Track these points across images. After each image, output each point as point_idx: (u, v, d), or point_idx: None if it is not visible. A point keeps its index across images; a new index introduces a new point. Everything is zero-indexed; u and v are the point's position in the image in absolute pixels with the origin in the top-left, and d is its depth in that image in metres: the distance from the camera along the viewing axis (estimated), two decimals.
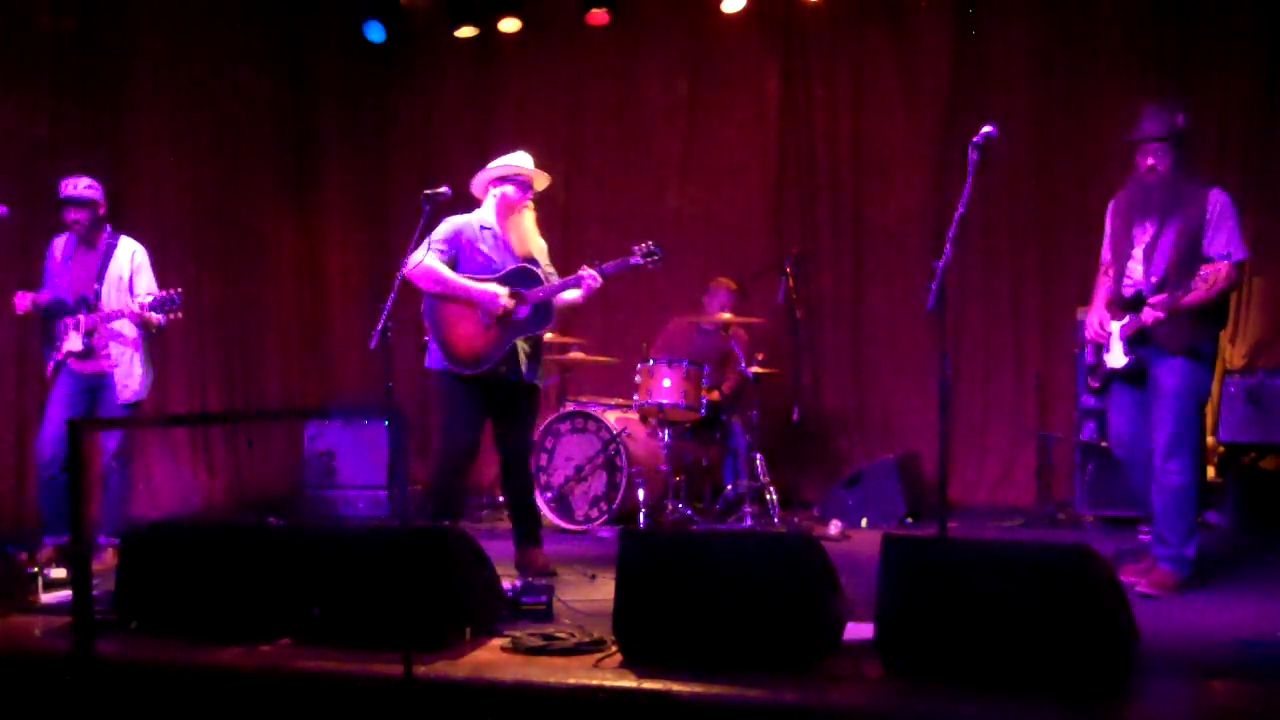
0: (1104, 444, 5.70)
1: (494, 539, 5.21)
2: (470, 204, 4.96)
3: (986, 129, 3.72)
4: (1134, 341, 4.31)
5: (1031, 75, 7.00)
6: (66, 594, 3.82)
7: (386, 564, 3.44)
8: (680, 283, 7.40)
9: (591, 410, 6.34)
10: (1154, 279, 4.25)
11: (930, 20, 7.22)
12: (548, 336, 6.53)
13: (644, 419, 6.33)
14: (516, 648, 3.32)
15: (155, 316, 5.09)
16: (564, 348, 6.81)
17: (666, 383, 5.98)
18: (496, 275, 4.68)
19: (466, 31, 7.81)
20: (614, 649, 3.26)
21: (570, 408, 6.45)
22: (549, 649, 3.28)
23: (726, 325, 6.54)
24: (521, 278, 4.68)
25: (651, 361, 6.12)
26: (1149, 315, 4.17)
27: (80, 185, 5.19)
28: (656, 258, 4.70)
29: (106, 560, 4.83)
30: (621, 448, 6.13)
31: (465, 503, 5.75)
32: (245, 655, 3.37)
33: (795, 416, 6.61)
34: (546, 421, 6.43)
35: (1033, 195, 7.01)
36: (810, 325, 7.31)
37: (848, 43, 7.45)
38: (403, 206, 7.46)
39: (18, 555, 4.37)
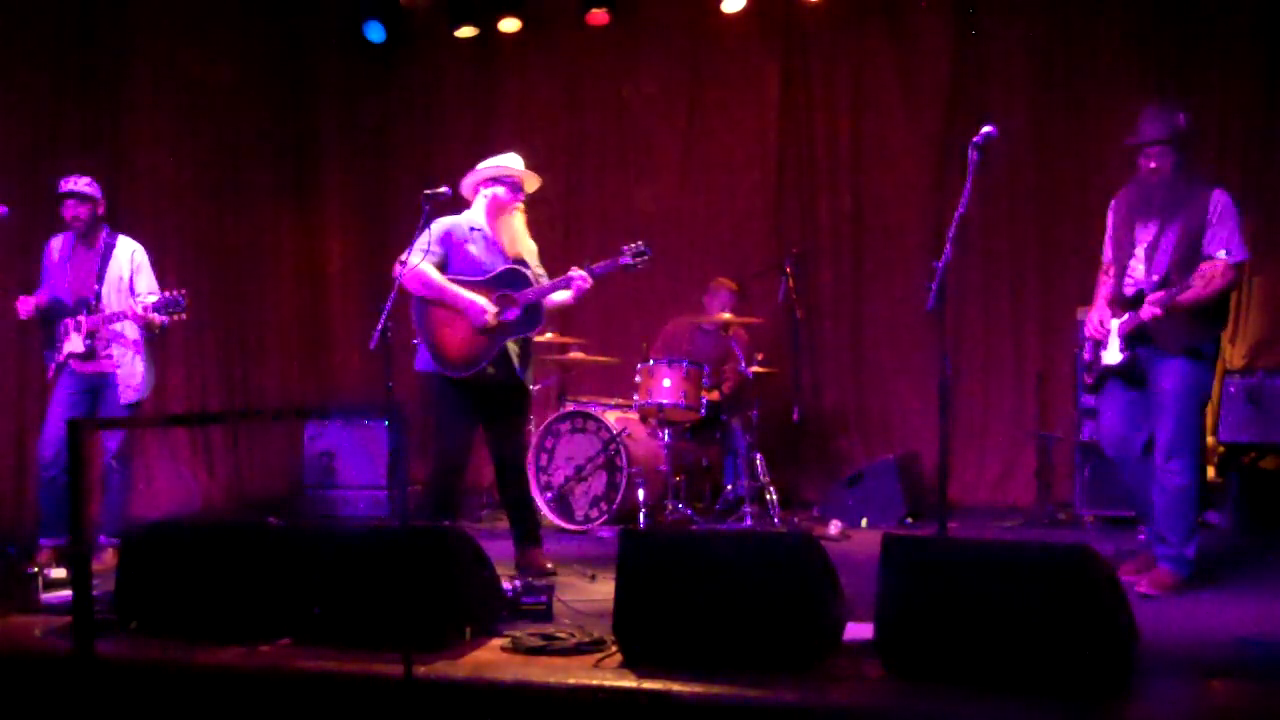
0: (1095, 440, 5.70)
1: (494, 539, 5.20)
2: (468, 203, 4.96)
3: (986, 129, 3.72)
4: (1132, 339, 4.31)
5: (1031, 75, 7.00)
6: (66, 594, 3.82)
7: (386, 564, 3.44)
8: (680, 283, 7.41)
9: (591, 410, 6.34)
10: (1155, 278, 4.25)
11: (930, 20, 7.22)
12: (547, 336, 6.56)
13: (644, 419, 6.33)
14: (516, 648, 3.32)
15: (158, 318, 5.08)
16: (564, 348, 6.81)
17: (666, 383, 5.99)
18: (486, 276, 4.67)
19: (466, 31, 7.81)
20: (614, 649, 3.26)
21: (570, 408, 6.45)
22: (549, 649, 3.28)
23: (726, 325, 6.54)
24: (511, 279, 4.67)
25: (651, 361, 6.12)
26: (1147, 312, 4.18)
27: (80, 182, 5.20)
28: (646, 258, 4.71)
29: (106, 560, 4.84)
30: (621, 448, 6.13)
31: (462, 504, 5.74)
32: (245, 655, 3.37)
33: (795, 416, 6.61)
34: (546, 421, 6.43)
35: (1033, 195, 7.01)
36: (810, 325, 7.31)
37: (848, 43, 7.45)
38: (403, 206, 7.46)
39: (16, 556, 4.38)
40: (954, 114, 7.10)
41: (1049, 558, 2.93)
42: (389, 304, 4.32)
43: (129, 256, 5.30)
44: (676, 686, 2.95)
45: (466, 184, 4.88)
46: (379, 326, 4.37)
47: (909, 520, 6.31)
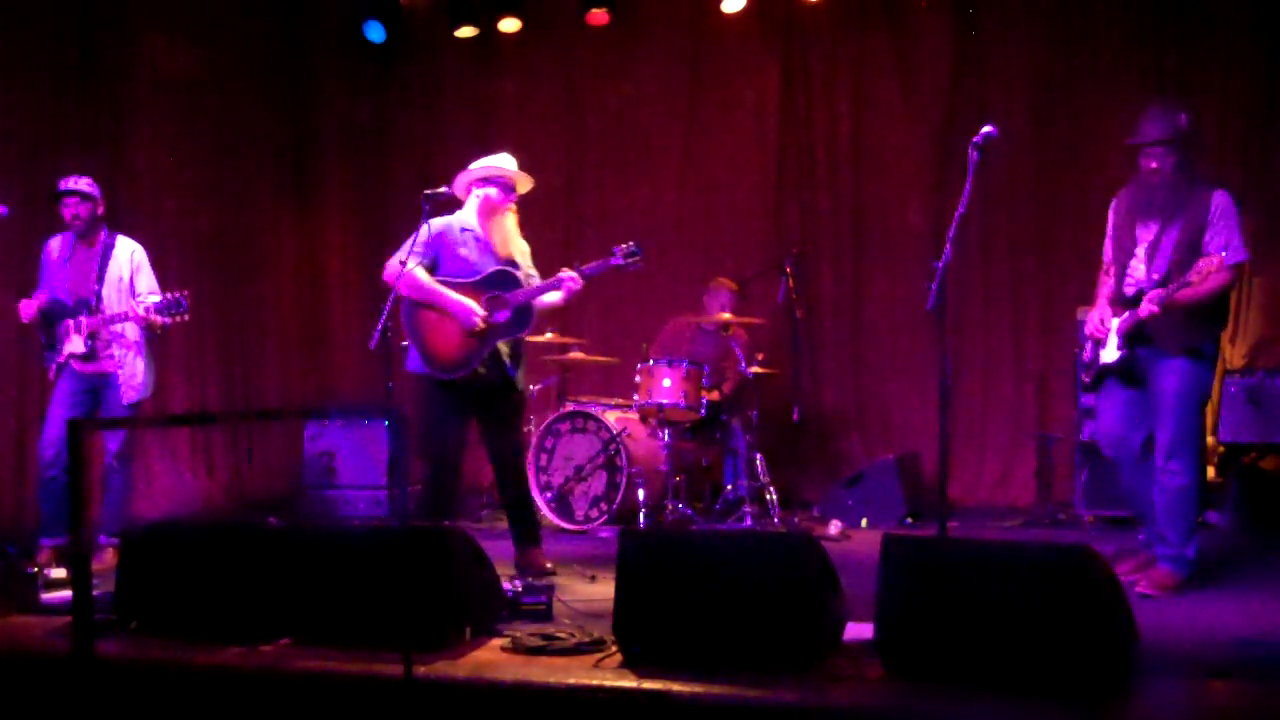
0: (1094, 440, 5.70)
1: (494, 539, 5.20)
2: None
3: (986, 129, 3.72)
4: (1131, 338, 4.31)
5: (1031, 75, 7.00)
6: (66, 594, 3.82)
7: (386, 564, 3.44)
8: (680, 283, 7.41)
9: (591, 410, 6.34)
10: (1156, 278, 4.26)
11: (930, 20, 7.22)
12: (547, 336, 6.56)
13: (644, 419, 6.33)
14: (516, 648, 3.32)
15: (160, 319, 5.08)
16: (564, 348, 6.81)
17: (666, 383, 5.99)
18: (477, 278, 4.66)
19: (466, 31, 7.81)
20: (614, 649, 3.26)
21: (570, 408, 6.45)
22: (549, 649, 3.28)
23: (726, 325, 6.54)
24: (501, 281, 4.66)
25: (651, 361, 6.12)
26: (1145, 310, 4.18)
27: (80, 182, 5.21)
28: (637, 258, 4.69)
29: (106, 560, 4.83)
30: (621, 448, 6.13)
31: (460, 504, 5.74)
32: (245, 655, 3.37)
33: (795, 416, 6.61)
34: (546, 421, 6.43)
35: (1033, 195, 7.00)
36: (810, 325, 7.30)
37: (848, 43, 7.44)
38: (403, 206, 7.44)
39: (16, 556, 4.37)
40: (954, 114, 7.09)
41: (1049, 558, 2.93)
42: (389, 304, 4.33)
43: (129, 256, 5.30)
44: (676, 686, 2.95)
45: (459, 183, 4.87)
46: (379, 327, 4.38)
47: (909, 520, 6.31)
